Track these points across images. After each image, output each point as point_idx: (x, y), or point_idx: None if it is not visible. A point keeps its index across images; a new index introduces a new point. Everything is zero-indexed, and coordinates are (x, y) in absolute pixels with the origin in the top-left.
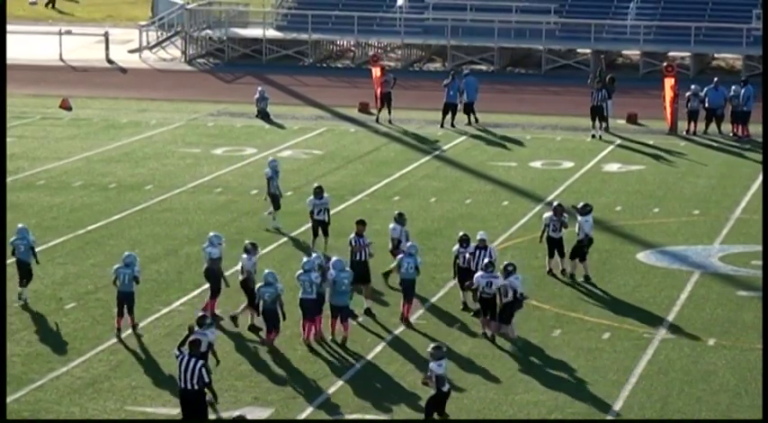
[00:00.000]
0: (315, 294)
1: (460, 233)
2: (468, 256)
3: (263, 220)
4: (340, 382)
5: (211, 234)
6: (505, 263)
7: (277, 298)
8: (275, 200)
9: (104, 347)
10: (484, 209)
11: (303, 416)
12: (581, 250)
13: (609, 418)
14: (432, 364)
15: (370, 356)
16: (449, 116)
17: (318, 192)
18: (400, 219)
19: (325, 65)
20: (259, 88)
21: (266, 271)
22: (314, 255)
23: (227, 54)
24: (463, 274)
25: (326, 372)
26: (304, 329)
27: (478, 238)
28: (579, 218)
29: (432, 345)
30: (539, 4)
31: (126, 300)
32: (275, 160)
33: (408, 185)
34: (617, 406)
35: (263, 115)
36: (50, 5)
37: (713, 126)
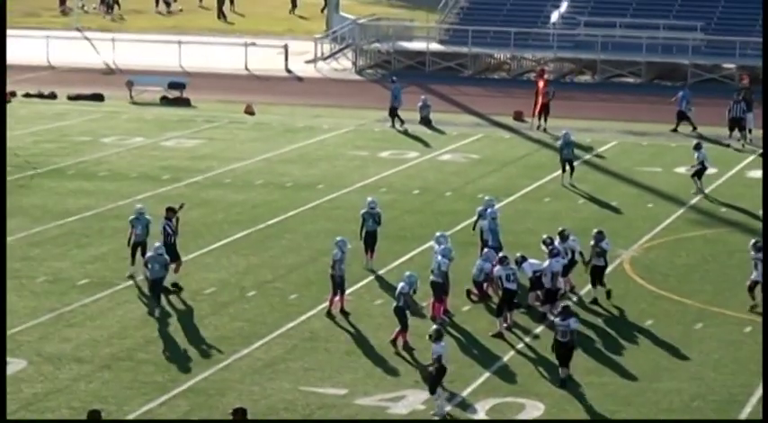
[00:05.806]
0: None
1: (543, 236)
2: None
3: None
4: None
5: (338, 238)
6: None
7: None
8: (570, 163)
9: (281, 332)
10: (630, 210)
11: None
12: None
13: (754, 400)
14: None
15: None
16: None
17: (564, 235)
18: (600, 235)
19: (483, 76)
20: (422, 97)
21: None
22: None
23: (394, 65)
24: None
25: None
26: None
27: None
28: None
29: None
30: (685, 21)
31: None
32: (569, 132)
33: (558, 188)
34: (756, 394)
35: (426, 122)
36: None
37: None
